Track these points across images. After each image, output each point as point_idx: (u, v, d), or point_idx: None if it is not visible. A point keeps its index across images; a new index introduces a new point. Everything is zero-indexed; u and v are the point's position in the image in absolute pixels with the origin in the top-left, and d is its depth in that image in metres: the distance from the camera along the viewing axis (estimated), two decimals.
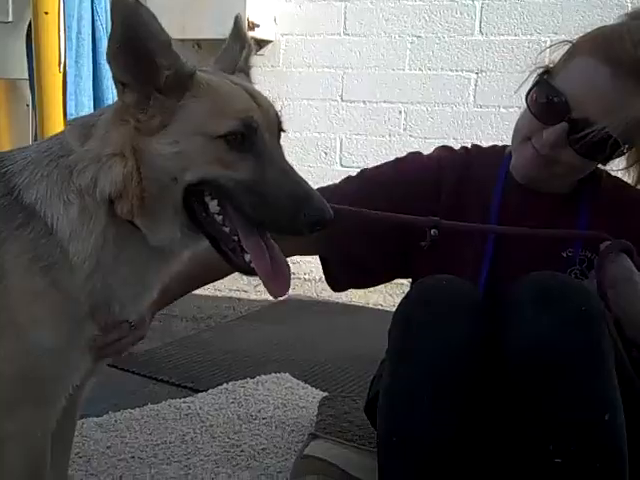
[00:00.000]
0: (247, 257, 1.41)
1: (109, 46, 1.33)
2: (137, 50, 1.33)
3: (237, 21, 1.60)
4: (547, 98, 1.75)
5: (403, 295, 1.72)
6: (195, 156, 1.36)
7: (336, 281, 2.07)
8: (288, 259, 1.47)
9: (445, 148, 2.06)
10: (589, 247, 1.82)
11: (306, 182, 1.40)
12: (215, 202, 1.40)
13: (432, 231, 1.79)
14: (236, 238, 1.41)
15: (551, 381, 1.52)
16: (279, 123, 1.48)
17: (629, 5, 4.13)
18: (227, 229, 1.41)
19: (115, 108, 1.42)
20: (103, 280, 1.43)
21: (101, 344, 1.49)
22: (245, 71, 1.57)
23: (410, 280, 2.03)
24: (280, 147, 1.46)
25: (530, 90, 1.81)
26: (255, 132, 1.39)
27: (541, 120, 1.75)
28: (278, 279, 1.44)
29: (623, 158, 1.85)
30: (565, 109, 1.71)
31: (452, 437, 1.56)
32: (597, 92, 1.68)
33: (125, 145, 1.37)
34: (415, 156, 2.04)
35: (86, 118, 1.51)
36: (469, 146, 2.07)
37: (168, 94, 1.37)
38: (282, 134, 1.49)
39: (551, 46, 1.84)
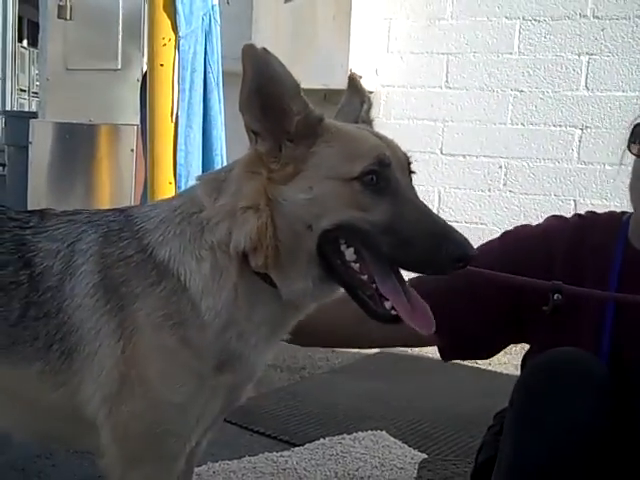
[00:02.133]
0: (387, 304, 1.39)
1: (242, 95, 1.35)
2: (268, 97, 1.34)
3: (353, 76, 1.62)
4: None
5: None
6: (330, 201, 1.36)
7: (444, 351, 2.02)
8: None
9: (555, 217, 2.02)
10: None
11: (443, 220, 1.39)
12: (351, 250, 1.39)
13: (555, 296, 1.74)
14: (374, 285, 1.40)
15: None
16: (409, 163, 1.47)
17: None
18: (365, 276, 1.40)
19: (245, 161, 1.43)
20: (234, 335, 1.44)
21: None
22: (367, 122, 1.58)
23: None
24: (413, 187, 1.45)
25: (630, 137, 1.79)
26: (388, 170, 1.39)
27: None
28: (422, 317, 1.42)
29: None
30: None
31: None
32: None
33: (258, 197, 1.38)
34: (522, 228, 2.01)
35: (215, 173, 1.53)
36: (583, 213, 2.02)
37: (299, 141, 1.38)
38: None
39: None
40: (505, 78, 4.64)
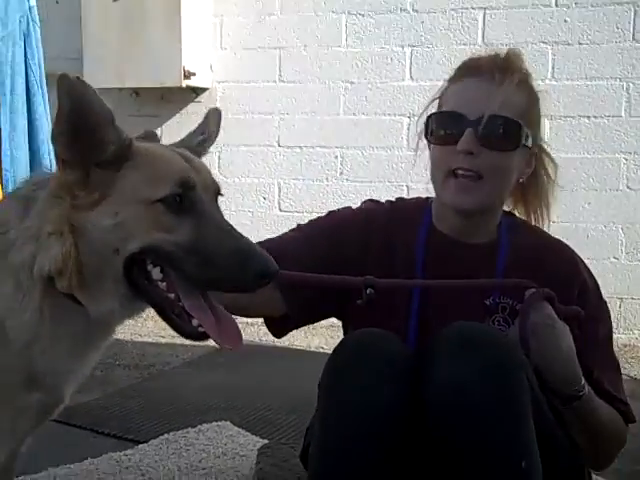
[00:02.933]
0: (195, 322, 1.43)
1: (56, 124, 1.35)
2: (83, 128, 1.35)
3: (215, 109, 1.69)
4: (444, 120, 1.89)
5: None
6: (135, 224, 1.38)
7: (284, 329, 2.07)
8: None
9: (372, 201, 2.13)
10: (509, 294, 1.89)
11: (247, 238, 1.43)
12: (158, 269, 1.42)
13: (368, 290, 1.82)
14: (181, 304, 1.43)
15: (468, 429, 1.58)
16: (216, 186, 1.51)
17: None
18: (172, 295, 1.43)
19: (51, 187, 1.42)
20: (41, 353, 1.44)
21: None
22: (189, 147, 1.59)
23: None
24: (218, 208, 1.50)
25: (426, 129, 1.93)
26: (192, 192, 1.43)
27: (450, 141, 1.85)
28: (229, 334, 1.45)
29: None
30: (462, 119, 1.83)
31: None
32: (479, 95, 1.84)
33: (62, 223, 1.38)
34: (346, 209, 2.11)
35: (23, 191, 1.51)
36: (394, 199, 2.14)
37: (107, 166, 1.39)
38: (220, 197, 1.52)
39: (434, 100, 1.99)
40: (335, 70, 4.77)
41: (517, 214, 2.05)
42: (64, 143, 1.36)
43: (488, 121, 1.81)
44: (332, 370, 1.73)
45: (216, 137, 1.68)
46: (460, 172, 1.83)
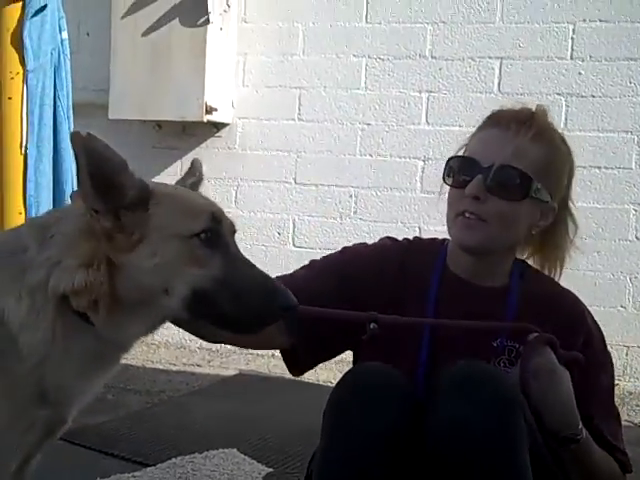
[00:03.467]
0: None
1: (79, 181, 1.44)
2: (101, 177, 1.43)
3: (195, 163, 1.75)
4: (460, 164, 1.96)
5: None
6: (173, 261, 1.47)
7: (300, 365, 2.11)
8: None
9: (389, 238, 2.18)
10: (516, 338, 1.93)
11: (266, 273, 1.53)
12: None
13: (371, 325, 1.86)
14: None
15: (465, 464, 1.64)
16: (233, 223, 1.59)
17: None
18: None
19: (81, 227, 1.49)
20: (52, 370, 1.50)
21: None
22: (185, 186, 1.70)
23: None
24: (236, 243, 1.58)
25: (445, 171, 2.01)
26: (219, 226, 1.52)
27: (461, 184, 1.93)
28: None
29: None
30: (475, 165, 1.91)
31: None
32: (494, 145, 1.92)
33: (94, 258, 1.46)
34: (360, 245, 2.18)
35: (43, 220, 1.59)
36: (411, 238, 2.20)
37: (135, 208, 1.47)
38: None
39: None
40: (353, 112, 4.88)
41: (531, 263, 2.10)
42: (91, 194, 1.44)
43: (497, 170, 1.87)
44: (336, 398, 1.79)
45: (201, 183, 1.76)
46: (466, 215, 1.91)
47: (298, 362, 2.09)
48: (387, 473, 1.68)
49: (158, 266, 1.46)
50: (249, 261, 1.54)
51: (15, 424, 1.50)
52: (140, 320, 1.52)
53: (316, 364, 2.11)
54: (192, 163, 1.76)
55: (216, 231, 1.51)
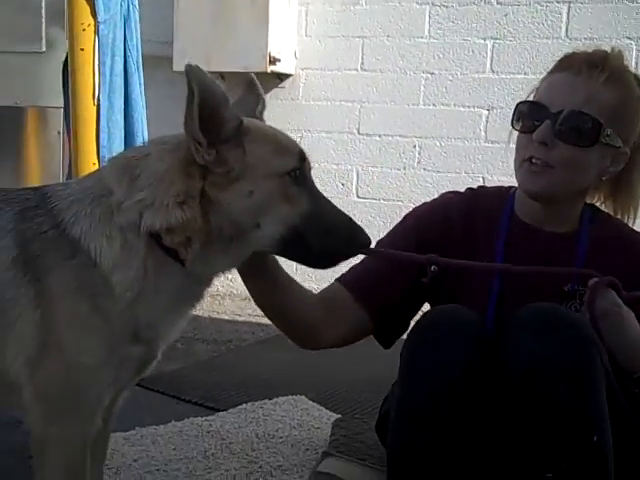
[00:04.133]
0: None
1: (187, 111, 1.45)
2: (208, 109, 1.45)
3: (252, 80, 1.75)
4: (528, 110, 1.96)
5: None
6: (268, 198, 1.51)
7: (390, 339, 2.16)
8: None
9: (450, 192, 2.20)
10: (585, 283, 1.95)
11: None
12: None
13: (432, 267, 1.87)
14: None
15: (545, 400, 1.66)
16: (309, 162, 1.63)
17: None
18: None
19: (179, 161, 1.52)
20: (144, 307, 1.56)
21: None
22: (256, 118, 1.70)
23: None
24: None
25: (513, 116, 2.00)
26: (304, 164, 1.57)
27: (529, 129, 1.92)
28: None
29: None
30: (544, 110, 1.90)
31: (452, 454, 1.71)
32: (563, 90, 1.91)
33: (190, 195, 1.49)
34: (421, 206, 2.18)
35: (124, 161, 1.61)
36: (475, 187, 2.21)
37: (231, 142, 1.50)
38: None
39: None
40: (417, 61, 4.82)
41: (604, 208, 2.09)
42: (198, 127, 1.46)
43: (567, 115, 1.86)
44: (414, 338, 1.84)
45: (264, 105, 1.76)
46: (533, 160, 1.90)
47: (386, 337, 2.15)
48: (465, 402, 1.72)
49: (254, 203, 1.50)
50: (328, 199, 1.59)
51: (111, 361, 1.57)
52: (229, 254, 1.56)
53: (404, 330, 2.12)
54: (249, 82, 1.75)
55: (302, 169, 1.55)
